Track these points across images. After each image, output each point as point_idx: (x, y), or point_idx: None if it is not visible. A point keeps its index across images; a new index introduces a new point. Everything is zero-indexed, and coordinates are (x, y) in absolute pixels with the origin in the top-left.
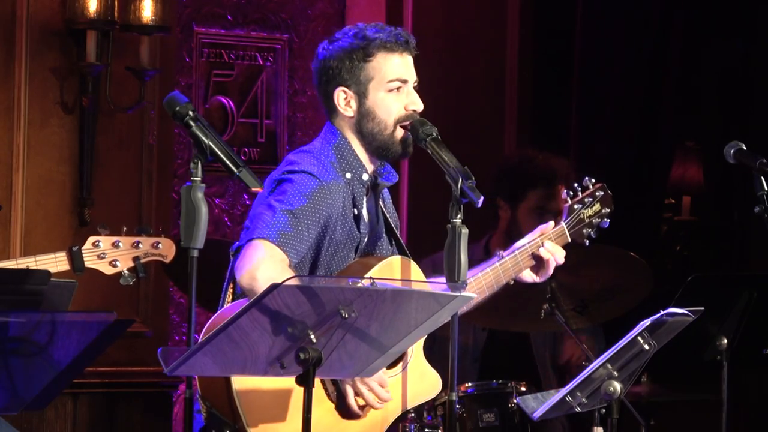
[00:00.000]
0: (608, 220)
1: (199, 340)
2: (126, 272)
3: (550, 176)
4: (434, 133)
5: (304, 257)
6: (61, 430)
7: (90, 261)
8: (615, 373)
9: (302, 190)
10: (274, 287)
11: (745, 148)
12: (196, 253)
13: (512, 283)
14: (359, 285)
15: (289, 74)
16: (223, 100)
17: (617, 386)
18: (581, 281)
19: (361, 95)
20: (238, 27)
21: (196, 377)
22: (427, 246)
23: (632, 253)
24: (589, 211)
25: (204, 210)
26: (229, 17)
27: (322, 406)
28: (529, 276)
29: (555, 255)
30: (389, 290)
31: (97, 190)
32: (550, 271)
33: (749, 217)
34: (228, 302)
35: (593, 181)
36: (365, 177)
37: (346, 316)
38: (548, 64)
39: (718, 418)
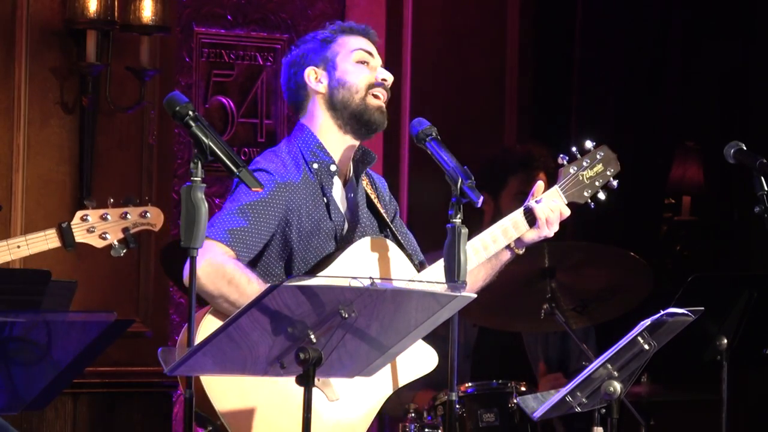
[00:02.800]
0: (617, 181)
1: (182, 331)
2: (116, 244)
3: (528, 161)
4: (434, 133)
5: (279, 253)
6: (61, 430)
7: (80, 236)
8: (615, 373)
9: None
10: (274, 287)
11: (745, 148)
12: (196, 253)
13: (521, 252)
14: (359, 285)
15: None
16: (223, 100)
17: (617, 386)
18: (581, 281)
19: (330, 68)
20: (238, 27)
21: (179, 380)
22: (427, 246)
23: (632, 253)
24: (589, 173)
25: (204, 210)
26: (229, 17)
27: None
28: (533, 234)
29: (552, 208)
30: (389, 290)
31: (97, 190)
32: (555, 225)
33: (749, 217)
34: None
35: (594, 143)
36: (333, 168)
37: (346, 316)
38: (548, 64)
39: (718, 418)
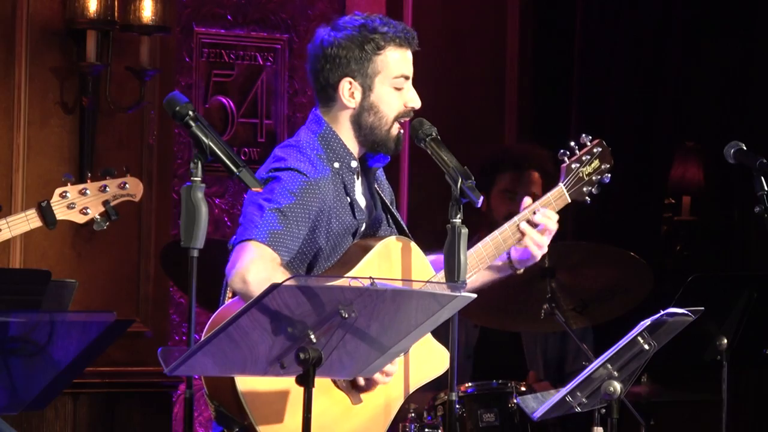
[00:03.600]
0: (609, 176)
1: (202, 338)
2: (98, 218)
3: (519, 160)
4: (434, 133)
5: (304, 253)
6: (61, 430)
7: (60, 213)
8: (615, 373)
9: (290, 188)
10: (274, 287)
11: (745, 148)
12: (196, 253)
13: (521, 272)
14: (359, 285)
15: (289, 74)
16: (223, 100)
17: (617, 386)
18: (581, 281)
19: (366, 88)
20: (238, 27)
21: (202, 378)
22: (427, 246)
23: (632, 253)
24: (588, 169)
25: (204, 210)
26: (229, 17)
27: (330, 396)
28: (530, 256)
29: (545, 222)
30: (389, 290)
31: None
32: (547, 239)
33: (749, 217)
34: (228, 298)
35: (590, 138)
36: (354, 164)
37: (346, 316)
38: (548, 64)
39: (718, 418)
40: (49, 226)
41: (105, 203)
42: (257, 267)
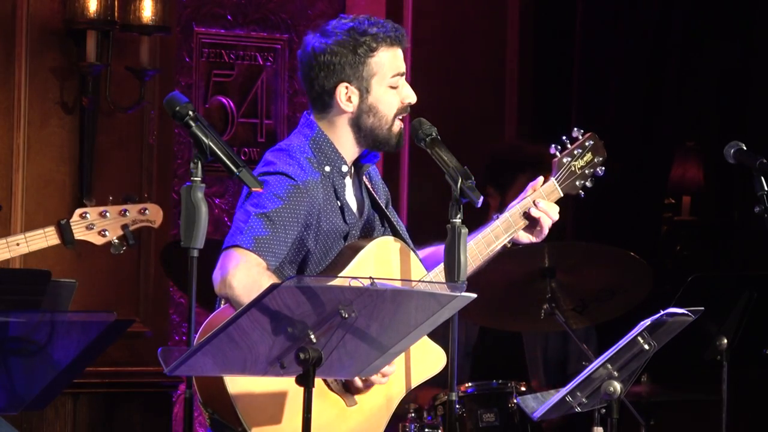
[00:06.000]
0: (603, 168)
1: (195, 342)
2: (116, 241)
3: (538, 161)
4: (434, 133)
5: (295, 257)
6: (61, 430)
7: (79, 233)
8: (615, 373)
9: (276, 192)
10: (274, 287)
11: (745, 148)
12: (196, 253)
13: (510, 245)
14: (359, 285)
15: (289, 74)
16: (223, 100)
17: (617, 386)
18: (581, 281)
19: (363, 91)
20: (238, 27)
21: (196, 384)
22: (426, 246)
23: (632, 253)
24: (580, 162)
25: (204, 210)
26: (229, 17)
27: (325, 399)
28: (525, 237)
29: (548, 213)
30: (389, 290)
31: (97, 190)
32: (545, 230)
33: (749, 217)
34: (224, 303)
35: (582, 131)
36: (344, 168)
37: (346, 316)
38: (548, 64)
39: (718, 418)
40: (67, 245)
41: (124, 227)
42: (241, 272)
